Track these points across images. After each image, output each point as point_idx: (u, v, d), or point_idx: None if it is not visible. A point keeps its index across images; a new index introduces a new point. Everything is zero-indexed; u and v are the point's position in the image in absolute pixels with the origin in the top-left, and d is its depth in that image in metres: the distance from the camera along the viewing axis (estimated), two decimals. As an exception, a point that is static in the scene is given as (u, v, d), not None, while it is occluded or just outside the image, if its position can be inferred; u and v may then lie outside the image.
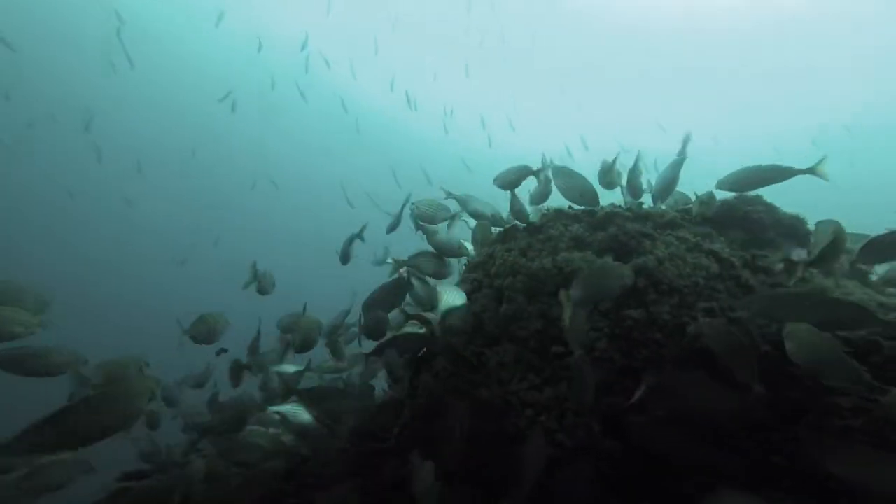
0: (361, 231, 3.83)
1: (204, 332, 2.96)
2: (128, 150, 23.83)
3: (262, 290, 3.63)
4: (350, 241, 3.86)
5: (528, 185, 3.18)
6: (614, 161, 2.97)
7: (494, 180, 3.25)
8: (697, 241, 2.59)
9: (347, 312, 3.73)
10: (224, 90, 18.91)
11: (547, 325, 2.64)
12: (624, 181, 3.12)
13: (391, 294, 2.93)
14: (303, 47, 18.86)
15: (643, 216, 2.85)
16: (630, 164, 3.07)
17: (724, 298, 2.36)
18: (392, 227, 3.79)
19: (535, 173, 3.14)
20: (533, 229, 3.03)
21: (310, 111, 22.22)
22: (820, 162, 2.74)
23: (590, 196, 2.80)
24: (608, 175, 2.92)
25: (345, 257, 3.87)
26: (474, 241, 3.21)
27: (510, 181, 3.12)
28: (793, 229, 2.83)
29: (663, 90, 22.67)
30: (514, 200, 2.99)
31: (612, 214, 2.84)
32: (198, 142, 25.23)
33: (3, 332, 2.25)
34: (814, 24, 19.17)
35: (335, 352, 3.54)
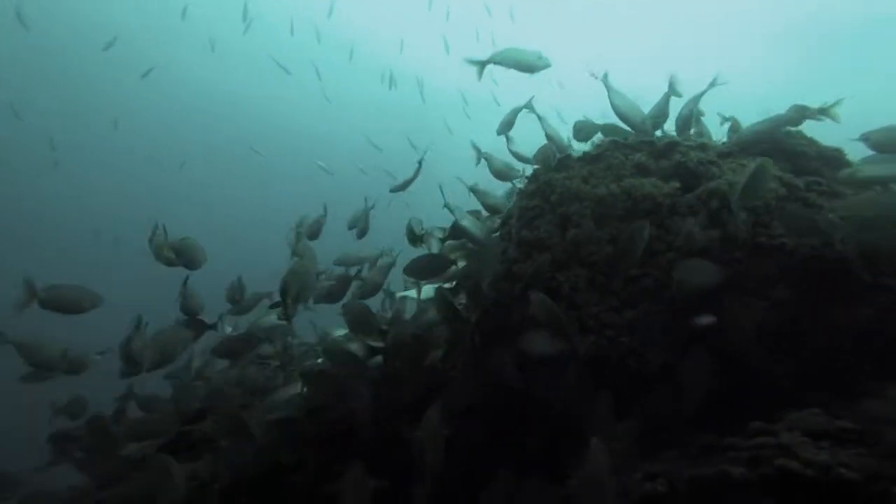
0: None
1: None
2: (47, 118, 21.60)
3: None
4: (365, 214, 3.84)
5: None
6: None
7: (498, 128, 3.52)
8: (762, 166, 2.68)
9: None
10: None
11: (616, 249, 2.67)
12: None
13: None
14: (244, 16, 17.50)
15: (700, 146, 2.92)
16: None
17: (798, 218, 2.46)
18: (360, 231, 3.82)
19: (527, 107, 3.46)
20: (591, 158, 3.06)
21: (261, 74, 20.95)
22: (835, 104, 2.91)
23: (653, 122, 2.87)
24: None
25: (361, 232, 3.85)
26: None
27: (507, 123, 3.51)
28: (835, 160, 2.98)
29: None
30: (581, 125, 3.04)
31: (674, 143, 2.89)
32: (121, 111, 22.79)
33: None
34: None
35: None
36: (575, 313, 2.63)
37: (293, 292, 2.34)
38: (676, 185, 2.73)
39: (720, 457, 1.84)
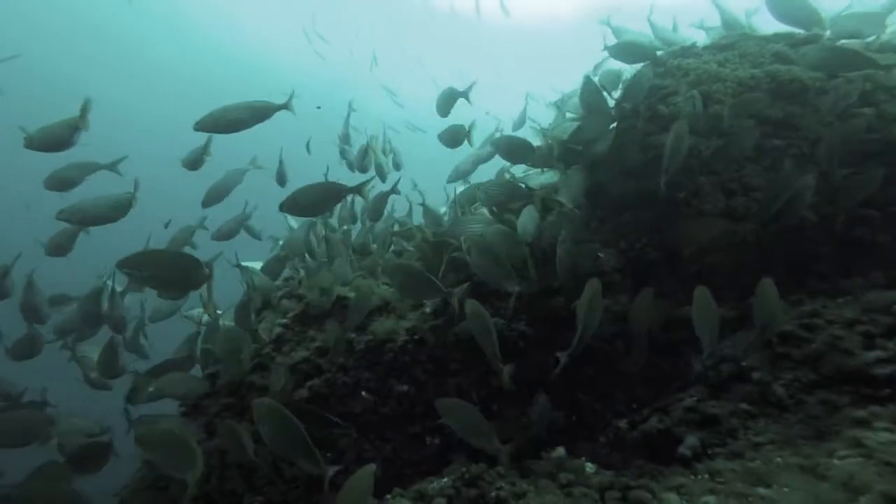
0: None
1: None
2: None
3: None
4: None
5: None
6: None
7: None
8: (905, 60, 2.77)
9: None
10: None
11: (759, 123, 2.72)
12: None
13: None
14: None
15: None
16: None
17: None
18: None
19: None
20: (721, 47, 3.09)
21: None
22: None
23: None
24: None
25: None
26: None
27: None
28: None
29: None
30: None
31: (815, 36, 2.95)
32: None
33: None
34: None
35: None
36: (715, 178, 2.68)
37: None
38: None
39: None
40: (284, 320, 3.01)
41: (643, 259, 2.67)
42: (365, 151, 3.90)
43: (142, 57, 21.30)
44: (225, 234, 4.09)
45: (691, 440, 1.48)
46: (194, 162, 3.56)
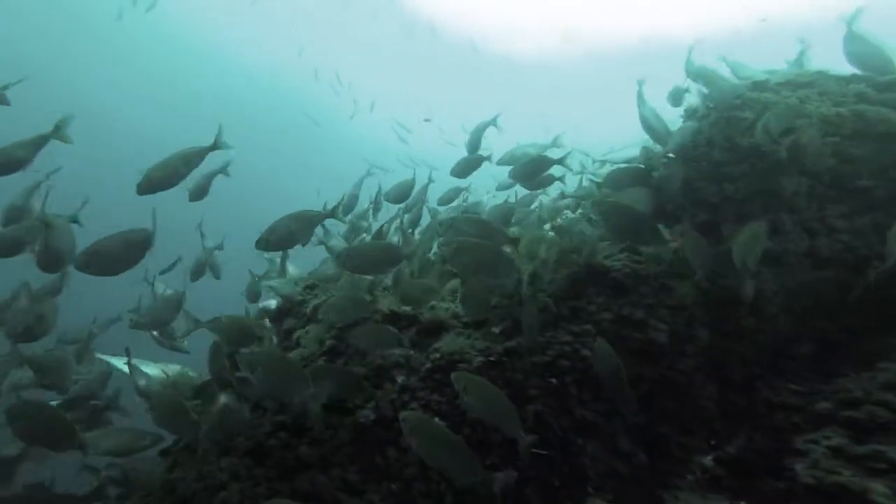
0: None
1: None
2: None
3: None
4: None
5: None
6: None
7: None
8: None
9: None
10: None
11: (840, 163, 2.68)
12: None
13: None
14: None
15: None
16: None
17: None
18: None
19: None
20: (798, 84, 3.05)
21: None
22: None
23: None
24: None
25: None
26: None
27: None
28: None
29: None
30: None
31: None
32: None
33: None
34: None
35: None
36: (796, 216, 2.63)
37: None
38: (901, 114, 2.75)
39: None
40: (335, 331, 2.87)
41: (720, 294, 2.58)
42: (411, 185, 3.92)
43: (135, 65, 21.52)
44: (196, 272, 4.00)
45: (880, 487, 1.39)
46: (200, 190, 3.42)
